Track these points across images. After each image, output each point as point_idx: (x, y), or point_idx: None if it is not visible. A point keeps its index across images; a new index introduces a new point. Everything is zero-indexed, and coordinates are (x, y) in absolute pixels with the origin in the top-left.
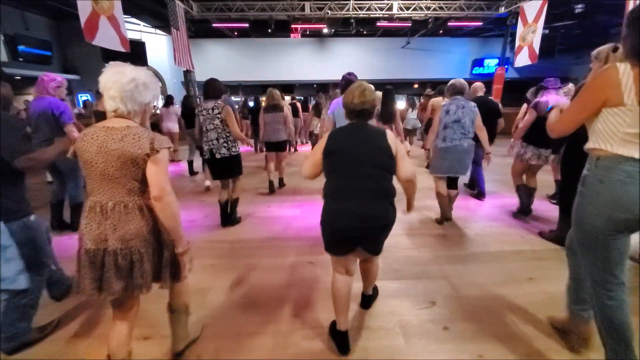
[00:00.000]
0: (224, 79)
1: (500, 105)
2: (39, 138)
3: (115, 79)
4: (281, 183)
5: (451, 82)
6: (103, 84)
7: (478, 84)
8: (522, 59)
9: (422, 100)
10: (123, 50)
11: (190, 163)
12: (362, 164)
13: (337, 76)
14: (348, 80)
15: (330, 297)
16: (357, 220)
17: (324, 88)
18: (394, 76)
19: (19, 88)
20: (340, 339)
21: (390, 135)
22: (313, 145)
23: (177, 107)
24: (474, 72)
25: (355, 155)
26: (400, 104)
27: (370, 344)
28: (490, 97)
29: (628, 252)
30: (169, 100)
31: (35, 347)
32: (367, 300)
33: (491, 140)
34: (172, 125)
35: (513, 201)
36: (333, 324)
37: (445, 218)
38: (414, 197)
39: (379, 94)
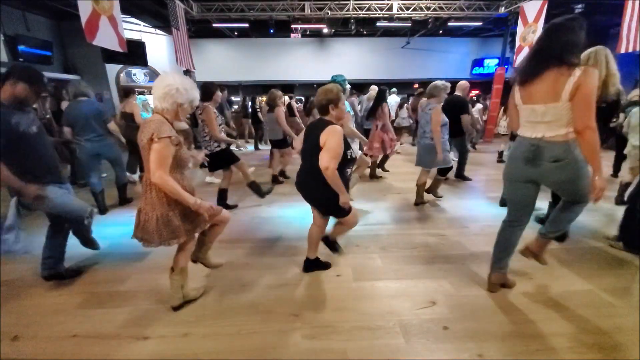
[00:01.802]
0: (224, 79)
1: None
2: (89, 135)
3: (157, 83)
4: (282, 174)
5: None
6: (152, 87)
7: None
8: None
9: (411, 101)
10: (121, 50)
11: None
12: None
13: None
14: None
15: (331, 297)
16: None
17: None
18: (394, 76)
19: None
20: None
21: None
22: None
23: None
24: (474, 72)
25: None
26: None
27: (370, 344)
28: (457, 94)
29: None
30: None
31: (35, 348)
32: (327, 242)
33: (458, 135)
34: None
35: None
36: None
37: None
38: (336, 187)
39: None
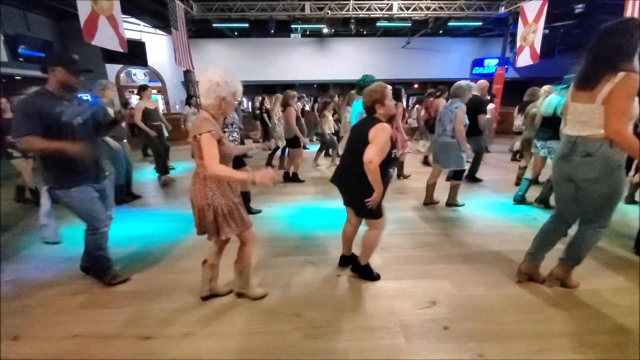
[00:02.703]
0: None
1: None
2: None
3: (200, 81)
4: (294, 177)
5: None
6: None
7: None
8: (524, 59)
9: (426, 101)
10: (121, 50)
11: None
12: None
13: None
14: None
15: (331, 296)
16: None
17: (324, 88)
18: (394, 76)
19: (20, 88)
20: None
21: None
22: (323, 145)
23: (187, 107)
24: (474, 72)
25: None
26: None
27: (371, 344)
28: (474, 94)
29: None
30: (189, 101)
31: (36, 348)
32: (359, 268)
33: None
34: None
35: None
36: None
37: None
38: (374, 182)
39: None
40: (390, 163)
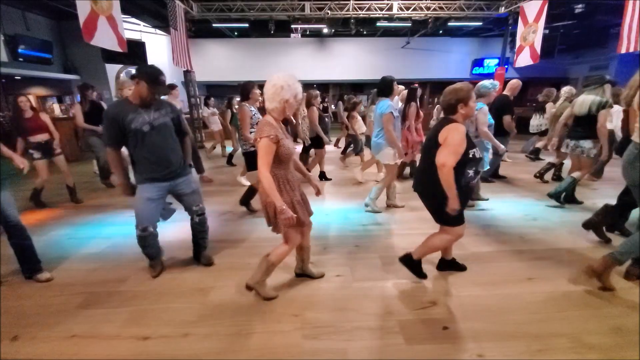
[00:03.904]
0: (224, 79)
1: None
2: None
3: (266, 86)
4: (322, 176)
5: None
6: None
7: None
8: (524, 59)
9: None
10: (120, 50)
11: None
12: None
13: (337, 76)
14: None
15: (331, 297)
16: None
17: (324, 88)
18: (394, 76)
19: (19, 88)
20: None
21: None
22: (356, 145)
23: (205, 109)
24: (474, 72)
25: None
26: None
27: (371, 344)
28: (504, 93)
29: None
30: (207, 102)
31: (35, 348)
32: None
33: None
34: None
35: (513, 201)
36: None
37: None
38: (447, 187)
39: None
40: (469, 164)
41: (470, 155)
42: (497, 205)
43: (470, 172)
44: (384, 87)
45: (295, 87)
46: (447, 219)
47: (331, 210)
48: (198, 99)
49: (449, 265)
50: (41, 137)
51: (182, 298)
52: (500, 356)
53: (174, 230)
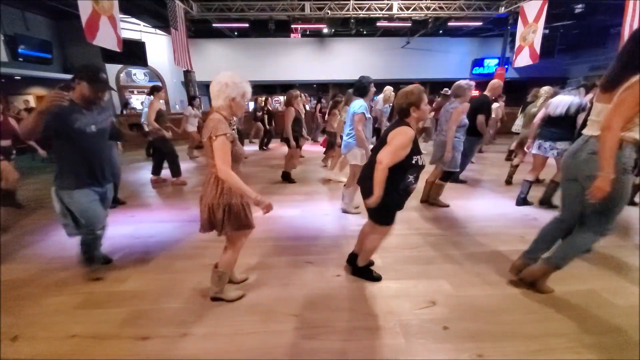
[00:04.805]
0: None
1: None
2: None
3: (212, 84)
4: (285, 176)
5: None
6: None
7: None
8: (523, 59)
9: (437, 101)
10: (118, 50)
11: None
12: None
13: (337, 76)
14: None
15: (330, 296)
16: None
17: (324, 88)
18: (394, 76)
19: (19, 88)
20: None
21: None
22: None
23: (189, 108)
24: (474, 72)
25: None
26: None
27: (370, 344)
28: (484, 93)
29: None
30: (191, 102)
31: (35, 348)
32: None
33: (472, 135)
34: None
35: (512, 201)
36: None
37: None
38: (376, 183)
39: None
40: (410, 169)
41: (413, 162)
42: (497, 205)
43: (410, 178)
44: (360, 87)
45: (242, 86)
46: (379, 217)
47: (331, 210)
48: (199, 99)
49: (361, 271)
50: (5, 143)
51: (181, 298)
52: (499, 356)
53: (174, 231)
